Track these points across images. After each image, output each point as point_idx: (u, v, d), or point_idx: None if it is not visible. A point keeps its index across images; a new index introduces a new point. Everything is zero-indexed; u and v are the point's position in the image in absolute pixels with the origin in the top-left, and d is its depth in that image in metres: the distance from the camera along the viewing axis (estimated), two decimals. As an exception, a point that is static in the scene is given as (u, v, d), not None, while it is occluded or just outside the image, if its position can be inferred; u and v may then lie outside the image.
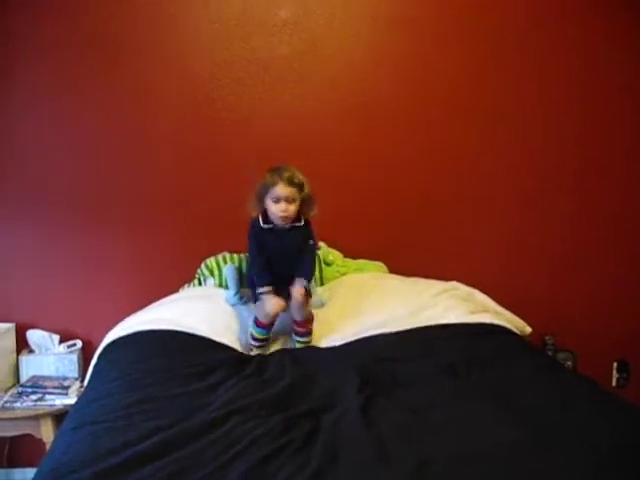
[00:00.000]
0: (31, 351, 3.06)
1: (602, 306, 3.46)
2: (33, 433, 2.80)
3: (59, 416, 2.73)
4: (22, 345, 3.07)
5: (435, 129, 3.28)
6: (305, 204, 2.48)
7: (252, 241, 2.51)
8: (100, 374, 2.20)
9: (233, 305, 2.67)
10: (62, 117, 3.08)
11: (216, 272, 2.92)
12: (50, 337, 3.04)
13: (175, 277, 3.01)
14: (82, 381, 2.91)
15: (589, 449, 1.53)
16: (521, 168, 3.35)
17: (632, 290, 3.49)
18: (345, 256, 3.13)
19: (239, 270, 2.83)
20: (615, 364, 3.52)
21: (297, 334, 2.51)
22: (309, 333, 2.51)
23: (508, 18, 3.25)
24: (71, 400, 2.73)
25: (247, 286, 2.69)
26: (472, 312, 2.73)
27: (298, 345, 2.49)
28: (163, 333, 2.41)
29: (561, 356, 3.29)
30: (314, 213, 2.53)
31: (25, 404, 2.79)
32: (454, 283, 2.99)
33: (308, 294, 2.46)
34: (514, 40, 3.27)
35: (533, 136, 3.33)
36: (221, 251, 2.99)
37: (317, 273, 2.95)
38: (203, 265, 2.98)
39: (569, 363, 3.27)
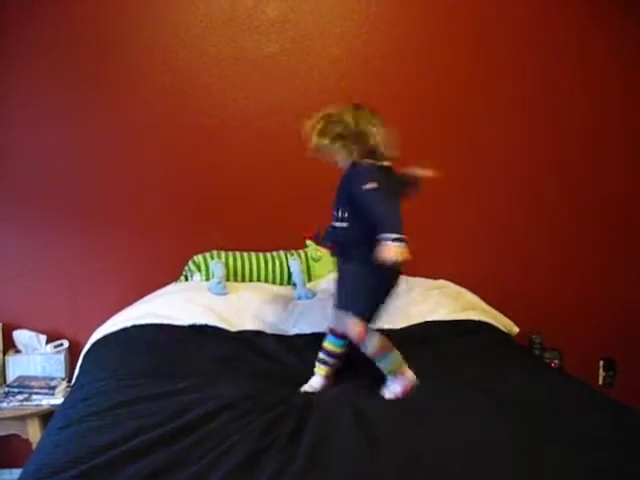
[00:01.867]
0: (18, 351, 3.04)
1: (589, 305, 3.48)
2: (20, 433, 2.78)
3: (46, 416, 2.71)
4: (8, 345, 3.05)
5: (422, 127, 3.27)
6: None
7: None
8: (87, 373, 2.19)
9: (216, 294, 2.68)
10: (47, 114, 3.06)
11: (203, 267, 2.92)
12: (37, 337, 3.02)
13: (163, 276, 2.99)
14: (69, 381, 2.90)
15: (577, 444, 1.54)
16: (510, 168, 3.36)
17: (619, 289, 3.50)
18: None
19: (227, 266, 2.88)
20: (602, 362, 3.54)
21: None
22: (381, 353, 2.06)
23: (495, 14, 3.28)
24: (58, 400, 2.71)
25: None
26: (462, 310, 2.74)
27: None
28: (148, 328, 2.43)
29: (548, 355, 3.29)
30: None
31: (11, 404, 2.77)
32: (443, 281, 3.01)
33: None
34: (502, 37, 3.29)
35: (522, 135, 3.35)
36: (209, 249, 2.99)
37: (305, 269, 2.98)
38: (190, 261, 2.98)
39: (556, 361, 3.27)
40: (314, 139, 2.11)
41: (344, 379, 2.07)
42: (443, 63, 3.26)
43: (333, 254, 2.25)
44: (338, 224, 2.12)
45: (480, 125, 3.32)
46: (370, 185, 1.96)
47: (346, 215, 2.08)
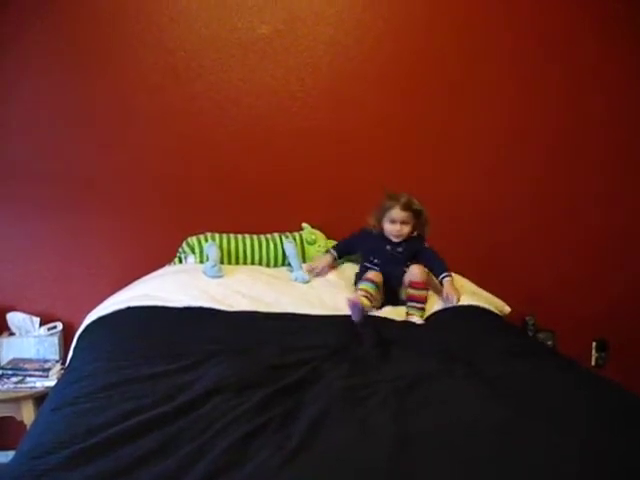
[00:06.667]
0: (11, 334, 3.04)
1: (582, 286, 3.50)
2: (14, 415, 2.79)
3: (40, 398, 2.72)
4: (2, 328, 3.05)
5: (417, 109, 3.28)
6: (420, 225, 2.78)
7: (353, 235, 2.92)
8: (80, 355, 2.19)
9: (210, 276, 2.68)
10: (45, 94, 3.04)
11: (197, 249, 2.92)
12: (30, 319, 3.02)
13: (157, 257, 3.00)
14: (63, 363, 2.90)
15: (570, 424, 1.55)
16: (499, 147, 3.38)
17: (612, 270, 3.52)
18: (328, 237, 3.14)
19: (221, 248, 2.88)
20: (594, 343, 3.56)
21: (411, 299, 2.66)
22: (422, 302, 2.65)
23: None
24: (52, 382, 2.72)
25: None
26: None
27: (410, 311, 2.62)
28: (142, 310, 2.42)
29: (541, 336, 3.32)
30: (428, 231, 2.81)
31: (5, 387, 2.78)
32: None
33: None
34: (494, 22, 3.28)
35: (512, 115, 3.36)
36: (203, 231, 2.99)
37: (300, 252, 2.98)
38: (184, 243, 2.98)
39: (549, 342, 3.30)
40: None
41: (338, 360, 2.07)
42: (439, 43, 3.25)
43: None
44: None
45: (469, 107, 3.33)
46: None
47: None
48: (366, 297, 2.54)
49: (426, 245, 2.81)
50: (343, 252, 2.95)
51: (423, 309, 2.64)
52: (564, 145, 3.41)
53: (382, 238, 2.77)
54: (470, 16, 3.24)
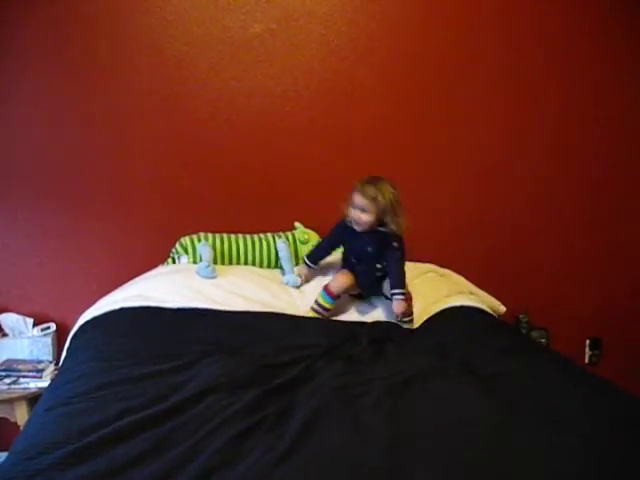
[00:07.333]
0: (5, 335, 3.03)
1: (575, 284, 3.51)
2: (7, 417, 2.77)
3: (34, 399, 2.71)
4: (-5, 329, 3.04)
5: (412, 108, 3.27)
6: (385, 215, 2.51)
7: (330, 231, 2.77)
8: (73, 356, 2.18)
9: (204, 277, 2.68)
10: (44, 94, 3.02)
11: (190, 250, 2.92)
12: (24, 320, 3.01)
13: (150, 259, 2.98)
14: (57, 364, 2.89)
15: (567, 423, 1.56)
16: (494, 147, 3.37)
17: (605, 268, 3.53)
18: (321, 237, 3.13)
19: (214, 248, 2.87)
20: (588, 341, 3.57)
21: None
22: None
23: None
24: (45, 383, 2.70)
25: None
26: (446, 296, 2.76)
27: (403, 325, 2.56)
28: (136, 310, 2.42)
29: (535, 334, 3.33)
30: (400, 225, 2.54)
31: (-1, 388, 2.77)
32: (430, 265, 3.02)
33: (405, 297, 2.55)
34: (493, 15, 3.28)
35: (505, 115, 3.36)
36: (196, 231, 2.98)
37: (293, 252, 2.97)
38: (177, 244, 2.97)
39: (543, 340, 3.31)
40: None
41: (332, 359, 2.07)
42: (433, 43, 3.24)
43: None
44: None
45: (464, 107, 3.32)
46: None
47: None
48: (319, 313, 2.57)
49: (395, 245, 2.57)
50: (318, 258, 2.80)
51: (412, 320, 2.58)
52: (559, 146, 3.41)
53: (354, 232, 2.59)
54: (465, 16, 3.24)
